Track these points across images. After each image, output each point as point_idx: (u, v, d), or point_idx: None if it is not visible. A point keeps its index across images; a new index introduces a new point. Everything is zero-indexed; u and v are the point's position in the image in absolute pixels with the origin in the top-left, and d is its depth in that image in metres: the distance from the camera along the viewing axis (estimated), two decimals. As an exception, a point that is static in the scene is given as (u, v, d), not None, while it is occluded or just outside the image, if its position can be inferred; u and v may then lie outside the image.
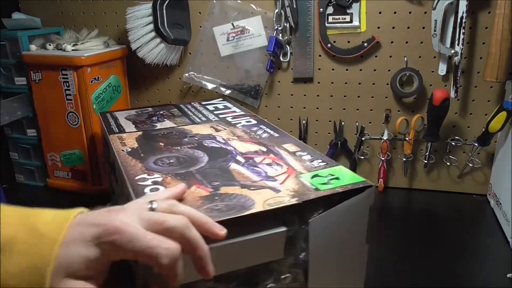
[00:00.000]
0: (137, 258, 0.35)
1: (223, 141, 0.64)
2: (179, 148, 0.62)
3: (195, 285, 0.42)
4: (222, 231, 0.40)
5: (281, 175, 0.52)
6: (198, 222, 0.39)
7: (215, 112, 0.81)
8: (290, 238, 0.46)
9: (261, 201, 0.45)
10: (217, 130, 0.70)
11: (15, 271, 0.33)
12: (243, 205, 0.44)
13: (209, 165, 0.55)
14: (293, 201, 0.45)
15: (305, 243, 0.46)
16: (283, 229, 0.44)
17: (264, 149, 0.61)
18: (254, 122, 0.74)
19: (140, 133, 0.70)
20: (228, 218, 0.42)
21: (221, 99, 0.93)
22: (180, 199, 0.46)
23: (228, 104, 0.88)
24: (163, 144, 0.64)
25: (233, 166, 0.55)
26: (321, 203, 0.47)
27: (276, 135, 0.67)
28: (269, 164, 0.55)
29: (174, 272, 0.36)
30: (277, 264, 0.46)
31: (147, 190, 0.49)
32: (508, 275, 0.65)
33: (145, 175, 0.53)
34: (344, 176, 0.52)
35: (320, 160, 0.56)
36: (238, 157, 0.58)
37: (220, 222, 0.41)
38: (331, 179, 0.51)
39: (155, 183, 0.51)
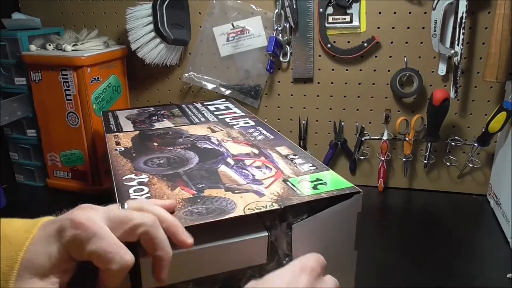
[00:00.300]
0: (91, 257, 0.34)
1: (217, 143, 0.64)
2: (171, 148, 0.62)
3: (174, 286, 0.42)
4: (189, 239, 0.39)
5: (268, 179, 0.51)
6: (166, 224, 0.38)
7: (216, 113, 0.81)
8: (272, 243, 0.45)
9: (242, 206, 0.45)
10: (213, 131, 0.69)
11: None
12: (224, 209, 0.44)
13: (198, 167, 0.55)
14: (275, 206, 0.45)
15: (288, 249, 0.46)
16: (265, 233, 0.44)
17: (256, 152, 0.61)
18: (252, 123, 0.74)
19: (137, 132, 0.70)
20: (208, 221, 0.41)
21: (224, 99, 0.93)
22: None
23: (230, 105, 0.88)
24: (157, 144, 0.64)
25: (222, 168, 0.55)
26: (306, 209, 0.46)
27: (272, 137, 0.67)
28: (258, 167, 0.55)
29: (116, 281, 0.35)
30: (259, 269, 0.46)
31: (131, 190, 0.48)
32: (508, 275, 0.65)
33: (132, 175, 0.52)
34: (332, 181, 0.51)
35: (311, 164, 0.56)
36: (229, 159, 0.57)
37: (199, 225, 0.40)
38: (318, 184, 0.50)
39: (140, 183, 0.50)
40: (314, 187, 0.49)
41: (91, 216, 0.35)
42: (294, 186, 0.50)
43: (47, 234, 0.35)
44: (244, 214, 0.43)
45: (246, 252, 0.44)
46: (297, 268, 0.39)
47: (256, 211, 0.44)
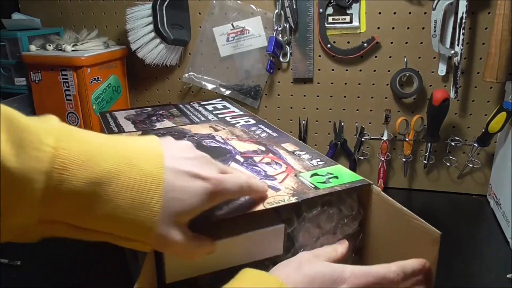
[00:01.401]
0: (235, 196, 0.42)
1: (222, 141, 0.64)
2: None
3: (195, 280, 0.43)
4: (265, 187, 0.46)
5: (280, 174, 0.52)
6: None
7: (214, 112, 0.81)
8: (288, 235, 0.46)
9: (261, 201, 0.45)
10: (216, 130, 0.69)
11: (125, 206, 0.33)
12: (244, 204, 0.44)
13: None
14: (293, 199, 0.45)
15: (304, 239, 0.47)
16: (281, 225, 0.45)
17: (263, 149, 0.61)
18: (253, 122, 0.74)
19: (139, 132, 0.70)
20: (230, 216, 0.42)
21: (220, 99, 0.93)
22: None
23: (227, 104, 0.88)
24: None
25: (233, 165, 0.55)
26: (320, 201, 0.47)
27: (275, 134, 0.67)
28: (268, 163, 0.55)
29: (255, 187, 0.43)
30: (274, 261, 0.47)
31: None
32: (508, 275, 0.65)
33: None
34: (343, 175, 0.52)
35: (319, 159, 0.57)
36: (238, 157, 0.58)
37: (223, 220, 0.42)
38: (330, 178, 0.51)
39: None
40: (327, 181, 0.50)
41: (215, 170, 0.39)
42: (307, 180, 0.50)
43: (190, 190, 0.36)
44: (264, 208, 0.44)
45: (263, 244, 0.45)
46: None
47: (275, 205, 0.44)
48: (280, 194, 0.47)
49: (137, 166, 0.34)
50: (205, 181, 0.37)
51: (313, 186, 0.49)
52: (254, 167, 0.54)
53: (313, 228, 0.48)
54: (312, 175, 0.52)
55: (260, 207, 0.44)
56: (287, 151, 0.60)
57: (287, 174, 0.52)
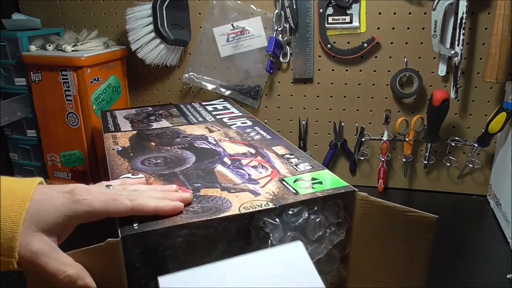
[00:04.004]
0: (107, 215, 0.41)
1: (214, 142, 0.64)
2: (169, 148, 0.62)
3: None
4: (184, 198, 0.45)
5: (264, 178, 0.52)
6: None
7: (213, 113, 0.81)
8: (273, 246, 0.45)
9: (238, 205, 0.45)
10: (210, 131, 0.70)
11: None
12: (220, 207, 0.44)
13: (195, 166, 0.55)
14: (270, 205, 0.45)
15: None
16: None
17: (253, 151, 0.61)
18: (249, 123, 0.74)
19: (135, 132, 0.70)
20: (202, 220, 0.42)
21: (222, 99, 0.93)
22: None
23: (228, 105, 0.88)
24: (154, 144, 0.64)
25: (219, 168, 0.55)
26: (305, 209, 0.47)
27: (268, 137, 0.67)
28: (254, 167, 0.55)
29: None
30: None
31: None
32: (508, 276, 0.65)
33: (129, 175, 0.53)
34: (327, 180, 0.51)
35: (307, 164, 0.56)
36: (225, 159, 0.58)
37: (196, 223, 0.42)
38: (313, 184, 0.50)
39: None
40: (310, 186, 0.49)
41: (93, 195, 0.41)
42: (290, 185, 0.50)
43: (53, 199, 0.39)
44: (239, 213, 0.43)
45: None
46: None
47: (251, 210, 0.44)
48: (259, 199, 0.46)
49: (8, 188, 0.38)
50: (69, 194, 0.40)
51: (294, 191, 0.48)
52: (240, 170, 0.54)
53: (299, 237, 0.46)
54: (296, 180, 0.51)
55: (236, 211, 0.44)
56: (276, 155, 0.59)
57: (271, 178, 0.52)
